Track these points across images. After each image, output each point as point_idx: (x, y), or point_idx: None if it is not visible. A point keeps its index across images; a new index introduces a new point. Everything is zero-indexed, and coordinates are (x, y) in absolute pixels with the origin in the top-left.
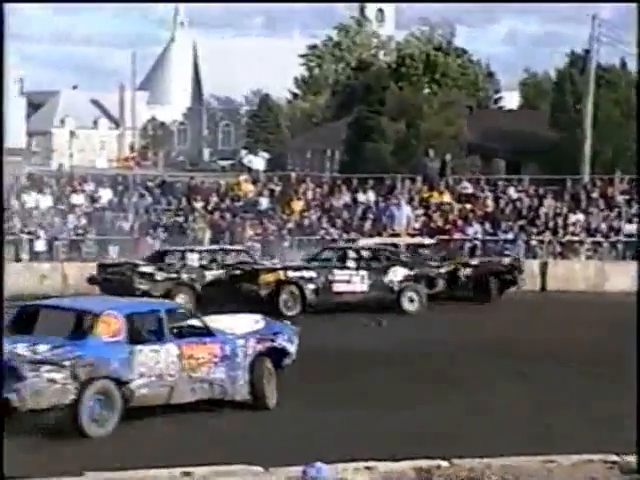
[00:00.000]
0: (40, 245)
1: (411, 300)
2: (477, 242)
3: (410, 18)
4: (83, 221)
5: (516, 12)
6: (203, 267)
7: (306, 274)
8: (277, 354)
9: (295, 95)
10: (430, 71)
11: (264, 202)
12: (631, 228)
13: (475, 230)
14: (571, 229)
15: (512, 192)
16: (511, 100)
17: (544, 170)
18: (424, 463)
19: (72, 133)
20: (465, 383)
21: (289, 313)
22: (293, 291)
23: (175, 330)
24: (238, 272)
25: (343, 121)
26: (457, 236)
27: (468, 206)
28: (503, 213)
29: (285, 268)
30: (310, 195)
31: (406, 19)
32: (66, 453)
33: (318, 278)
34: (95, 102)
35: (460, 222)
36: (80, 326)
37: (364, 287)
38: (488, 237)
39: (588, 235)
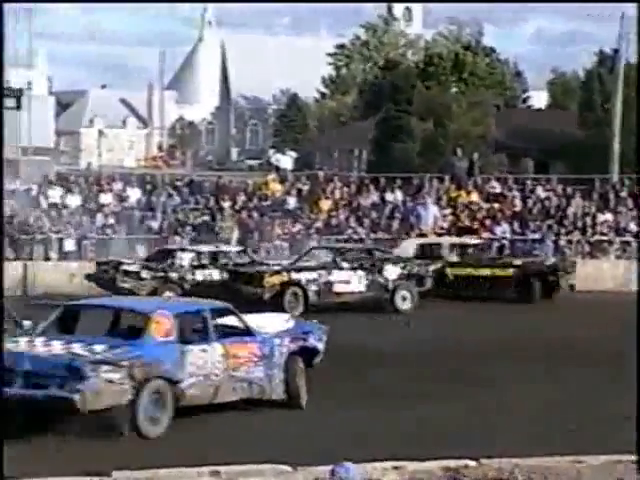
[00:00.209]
0: (69, 244)
1: (404, 298)
2: (505, 242)
3: (438, 17)
4: (111, 220)
5: (544, 11)
6: (194, 267)
7: (308, 275)
8: (308, 353)
9: (323, 94)
10: (458, 70)
11: (292, 201)
12: None
13: (503, 230)
14: (600, 229)
15: (540, 191)
16: (539, 99)
17: (572, 169)
18: (452, 463)
19: (101, 132)
20: (497, 383)
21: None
22: (296, 292)
23: (218, 329)
24: (238, 272)
25: (371, 120)
26: (485, 236)
27: (496, 205)
28: (531, 213)
29: (289, 270)
30: (338, 194)
31: (434, 18)
32: (96, 452)
33: (319, 279)
34: (124, 101)
35: (488, 222)
36: (117, 325)
37: (361, 287)
38: (516, 237)
39: (617, 235)
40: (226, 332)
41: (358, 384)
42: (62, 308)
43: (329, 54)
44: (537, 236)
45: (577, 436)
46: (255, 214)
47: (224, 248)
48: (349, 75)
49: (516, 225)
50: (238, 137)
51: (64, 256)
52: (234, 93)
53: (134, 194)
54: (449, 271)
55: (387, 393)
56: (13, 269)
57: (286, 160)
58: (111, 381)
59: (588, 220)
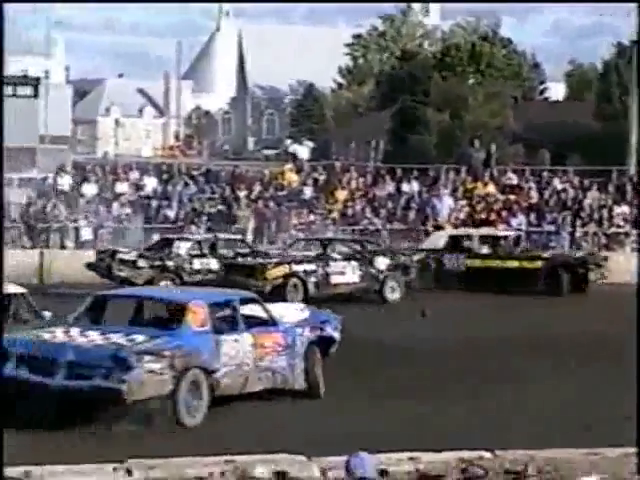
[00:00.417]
0: (85, 233)
1: (392, 289)
2: (521, 233)
3: (455, 8)
4: (128, 209)
5: (562, 2)
6: (193, 255)
7: (308, 267)
8: (324, 342)
9: (340, 85)
10: (475, 61)
11: (308, 191)
12: None
13: (519, 221)
14: (616, 221)
15: (557, 183)
16: (557, 91)
17: (589, 161)
18: (467, 454)
19: (117, 121)
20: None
21: None
22: (296, 284)
23: (246, 319)
24: (239, 264)
25: (387, 111)
26: (501, 227)
27: (512, 197)
28: (547, 204)
29: (290, 262)
30: (354, 185)
31: (451, 9)
32: (113, 440)
33: (317, 271)
34: (140, 91)
35: (504, 213)
36: (145, 315)
37: (355, 278)
38: (532, 228)
39: (633, 227)
40: (252, 322)
41: (374, 378)
42: (92, 298)
43: (346, 44)
44: (553, 228)
45: (593, 432)
46: (271, 204)
47: (222, 236)
48: (366, 65)
49: (532, 217)
50: (254, 127)
51: (80, 245)
52: (250, 83)
53: (150, 183)
54: (477, 263)
55: (406, 388)
56: (29, 257)
57: (303, 150)
58: (153, 371)
59: (604, 212)
